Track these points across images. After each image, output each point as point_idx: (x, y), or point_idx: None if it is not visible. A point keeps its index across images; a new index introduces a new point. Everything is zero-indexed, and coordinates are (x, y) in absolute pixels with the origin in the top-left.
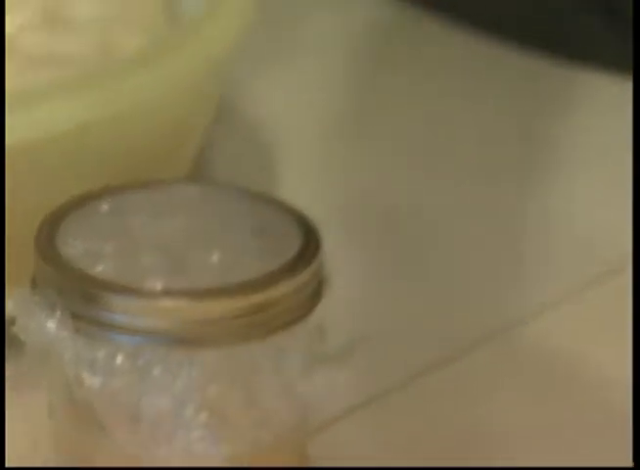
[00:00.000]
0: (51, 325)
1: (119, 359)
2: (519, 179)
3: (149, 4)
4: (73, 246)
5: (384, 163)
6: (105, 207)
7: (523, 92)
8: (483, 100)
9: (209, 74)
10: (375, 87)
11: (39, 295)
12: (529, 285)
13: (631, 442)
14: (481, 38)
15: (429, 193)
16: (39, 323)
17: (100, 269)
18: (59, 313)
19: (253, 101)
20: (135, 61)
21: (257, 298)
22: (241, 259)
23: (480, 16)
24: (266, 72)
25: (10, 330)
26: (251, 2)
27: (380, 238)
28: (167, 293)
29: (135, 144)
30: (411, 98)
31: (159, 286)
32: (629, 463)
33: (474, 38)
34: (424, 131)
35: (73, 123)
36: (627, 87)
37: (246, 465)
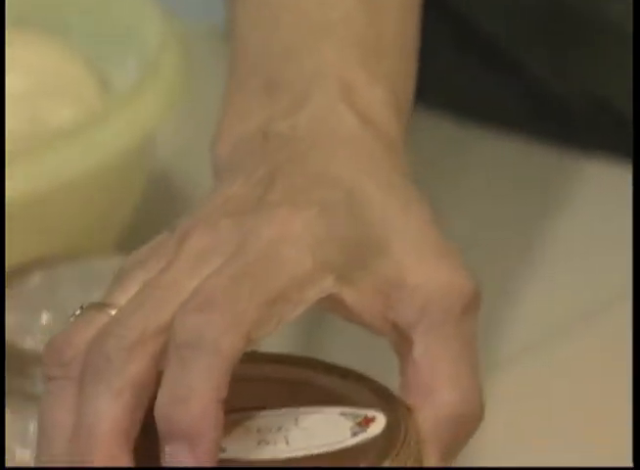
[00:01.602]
0: None
1: None
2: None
3: (79, 76)
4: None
5: None
6: (35, 280)
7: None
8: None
9: (138, 147)
10: None
11: None
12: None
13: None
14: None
15: None
16: None
17: (30, 343)
18: None
19: (185, 175)
20: (63, 135)
21: None
22: None
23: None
24: (197, 147)
25: None
26: (181, 76)
27: None
28: None
29: (63, 216)
30: None
31: None
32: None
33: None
34: None
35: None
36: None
37: None
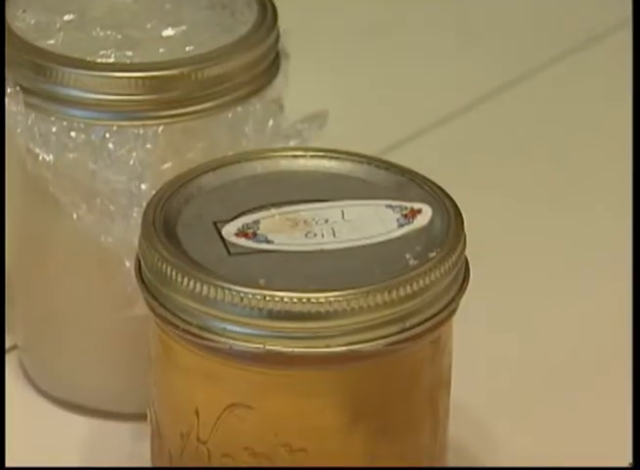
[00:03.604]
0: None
1: (73, 134)
2: None
3: None
4: (23, 19)
5: None
6: None
7: None
8: None
9: None
10: None
11: None
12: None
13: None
14: None
15: None
16: None
17: (51, 43)
18: (9, 88)
19: None
20: None
21: (212, 71)
22: (194, 35)
23: None
24: None
25: None
26: None
27: None
28: (120, 66)
29: None
30: None
31: (111, 59)
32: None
33: None
34: None
35: None
36: None
37: None
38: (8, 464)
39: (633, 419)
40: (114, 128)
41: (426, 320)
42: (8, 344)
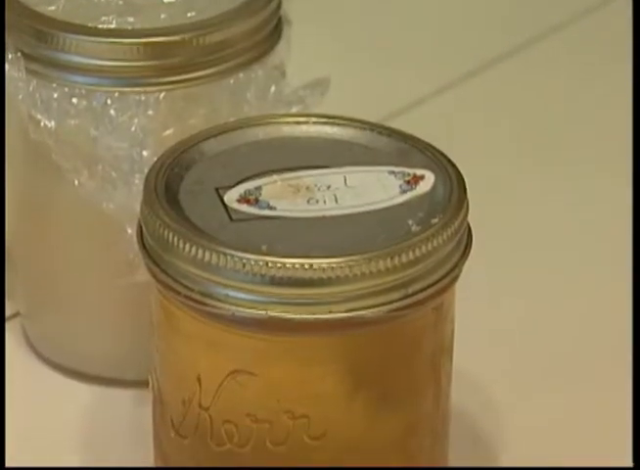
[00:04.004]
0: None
1: (74, 101)
2: None
3: None
4: None
5: None
6: None
7: None
8: None
9: None
10: None
11: None
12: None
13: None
14: None
15: None
16: None
17: (52, 9)
18: (10, 55)
19: None
20: None
21: (213, 37)
22: (195, 0)
23: None
24: None
25: None
26: None
27: None
28: (122, 32)
29: None
30: None
31: (112, 25)
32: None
33: None
34: None
35: None
36: None
37: None
38: (9, 429)
39: (633, 419)
40: (116, 95)
41: (428, 286)
42: (10, 311)
